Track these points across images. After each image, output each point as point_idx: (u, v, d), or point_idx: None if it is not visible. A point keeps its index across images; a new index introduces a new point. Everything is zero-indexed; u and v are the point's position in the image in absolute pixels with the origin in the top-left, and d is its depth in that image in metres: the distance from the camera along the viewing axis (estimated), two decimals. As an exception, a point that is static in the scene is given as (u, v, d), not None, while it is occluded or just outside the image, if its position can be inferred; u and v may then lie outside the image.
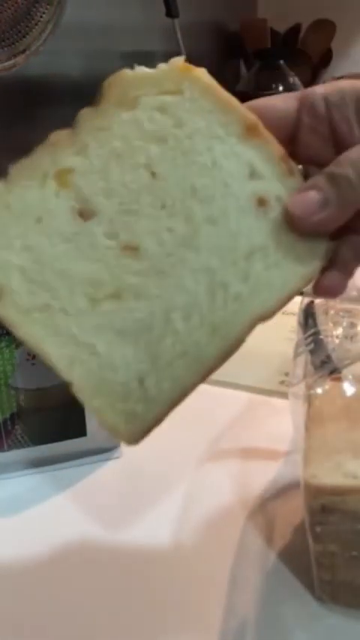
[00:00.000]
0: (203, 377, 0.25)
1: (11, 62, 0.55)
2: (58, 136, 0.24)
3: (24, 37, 0.54)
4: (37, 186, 0.24)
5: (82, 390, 0.24)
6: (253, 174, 0.24)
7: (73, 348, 0.24)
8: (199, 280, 0.24)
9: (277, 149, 0.24)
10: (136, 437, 0.24)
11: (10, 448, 0.37)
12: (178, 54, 1.01)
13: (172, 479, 0.38)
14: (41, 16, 0.54)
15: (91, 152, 0.24)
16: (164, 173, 0.24)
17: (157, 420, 0.24)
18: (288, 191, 0.24)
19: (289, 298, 0.25)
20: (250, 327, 0.25)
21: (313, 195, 0.24)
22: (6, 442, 0.37)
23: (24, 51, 0.55)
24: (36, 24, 0.54)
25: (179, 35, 0.96)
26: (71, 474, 0.39)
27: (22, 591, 0.31)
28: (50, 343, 0.24)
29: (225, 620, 0.29)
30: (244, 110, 0.25)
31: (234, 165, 0.24)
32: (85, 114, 0.24)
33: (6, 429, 0.37)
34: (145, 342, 0.24)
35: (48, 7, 0.55)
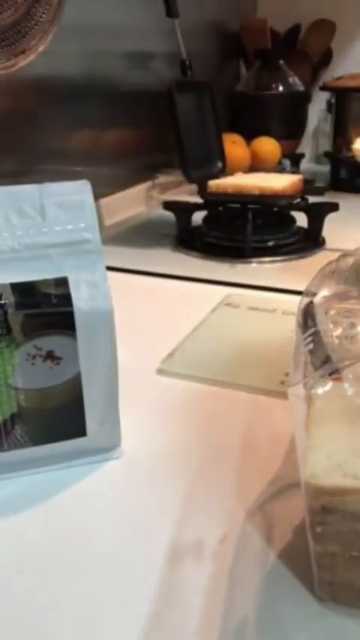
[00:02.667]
0: None
1: (11, 62, 0.55)
2: None
3: (24, 37, 0.54)
4: None
5: None
6: None
7: None
8: None
9: None
10: None
11: (10, 448, 0.37)
12: (179, 54, 1.02)
13: (172, 479, 0.38)
14: (41, 17, 0.54)
15: None
16: None
17: None
18: None
19: None
20: None
21: None
22: (6, 442, 0.37)
23: (24, 51, 0.55)
24: (36, 24, 0.54)
25: (179, 35, 0.96)
26: (71, 474, 0.39)
27: (22, 591, 0.31)
28: None
29: (224, 620, 0.29)
30: None
31: None
32: None
33: (6, 429, 0.37)
34: None
35: (48, 7, 0.55)
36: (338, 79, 1.33)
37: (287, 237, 0.85)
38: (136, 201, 1.08)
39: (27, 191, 0.36)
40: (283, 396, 0.42)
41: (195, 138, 0.93)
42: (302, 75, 1.36)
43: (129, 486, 0.38)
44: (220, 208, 0.89)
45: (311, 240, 0.85)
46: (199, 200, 0.89)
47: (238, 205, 0.85)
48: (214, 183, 0.86)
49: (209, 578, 0.31)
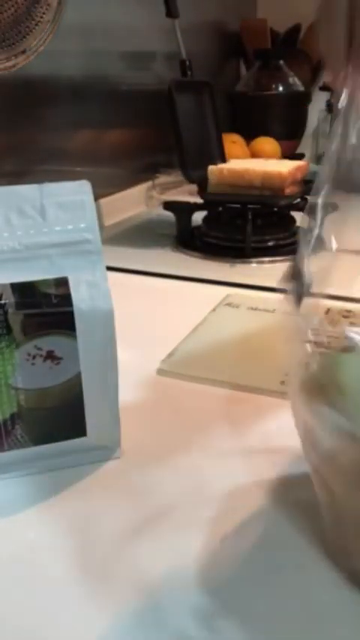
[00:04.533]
0: None
1: (12, 62, 0.55)
2: None
3: (24, 37, 0.54)
4: None
5: None
6: None
7: None
8: None
9: None
10: None
11: (10, 448, 0.37)
12: (179, 54, 1.02)
13: (171, 479, 0.38)
14: (42, 17, 0.55)
15: None
16: None
17: None
18: None
19: None
20: None
21: None
22: (6, 442, 0.37)
23: (24, 51, 0.55)
24: (36, 24, 0.54)
25: (179, 35, 0.96)
26: (71, 474, 0.39)
27: (22, 591, 0.31)
28: None
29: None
30: None
31: None
32: None
33: (6, 429, 0.37)
34: None
35: (48, 7, 0.55)
36: (338, 79, 1.32)
37: (287, 237, 0.85)
38: (136, 201, 1.09)
39: (27, 191, 0.36)
40: (283, 396, 0.42)
41: (195, 138, 0.93)
42: (302, 75, 1.36)
43: (129, 486, 0.38)
44: (220, 208, 0.89)
45: (311, 241, 0.85)
46: (199, 200, 0.89)
47: (238, 205, 0.85)
48: (217, 168, 0.85)
49: (208, 578, 0.31)
